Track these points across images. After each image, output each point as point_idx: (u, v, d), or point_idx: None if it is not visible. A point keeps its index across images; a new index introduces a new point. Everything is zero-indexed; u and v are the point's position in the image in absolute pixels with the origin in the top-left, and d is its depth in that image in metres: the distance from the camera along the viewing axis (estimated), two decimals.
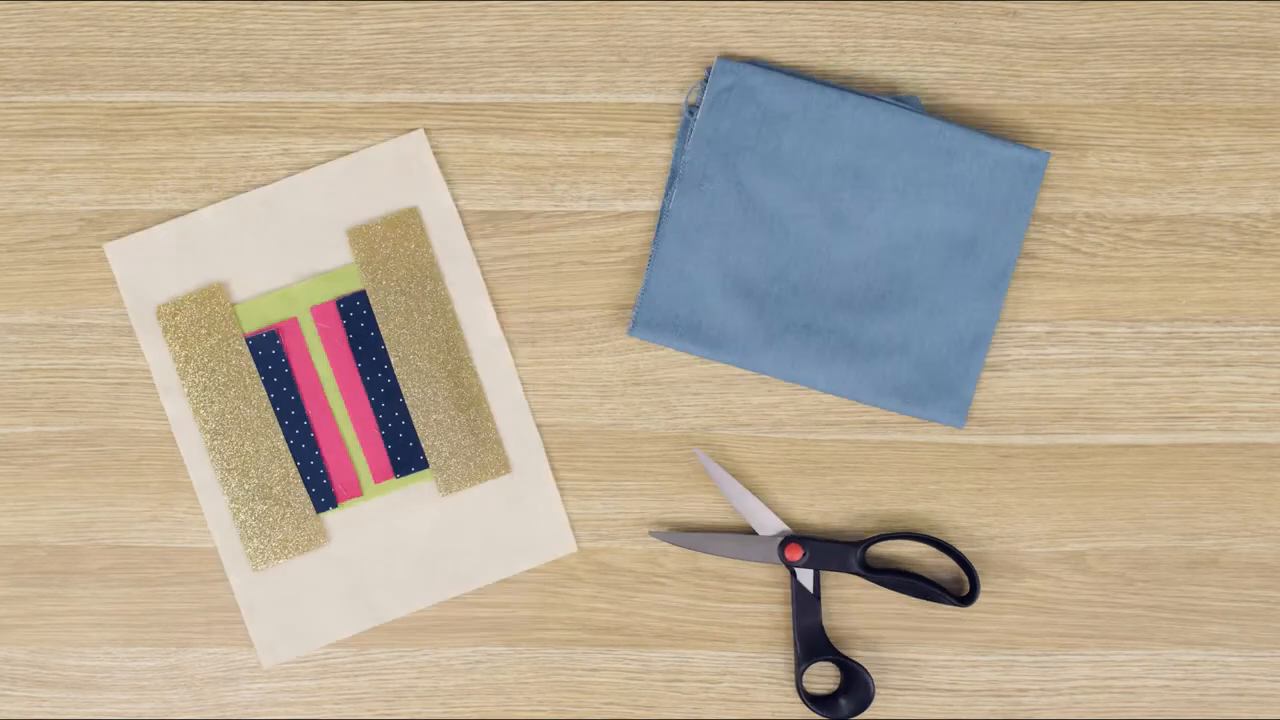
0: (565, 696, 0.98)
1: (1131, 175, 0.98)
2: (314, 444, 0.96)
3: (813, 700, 0.95)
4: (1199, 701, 0.98)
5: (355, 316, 0.96)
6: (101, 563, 0.97)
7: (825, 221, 0.96)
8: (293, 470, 0.95)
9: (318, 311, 0.96)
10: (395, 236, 0.96)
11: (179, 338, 0.95)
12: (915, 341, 0.96)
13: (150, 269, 0.96)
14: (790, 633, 0.97)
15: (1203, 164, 0.98)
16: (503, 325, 0.98)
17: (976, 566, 0.97)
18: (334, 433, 0.96)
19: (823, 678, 0.98)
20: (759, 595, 0.97)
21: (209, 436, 0.95)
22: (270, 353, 0.96)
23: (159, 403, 0.97)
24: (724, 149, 0.96)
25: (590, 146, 0.98)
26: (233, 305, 0.96)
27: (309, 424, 0.96)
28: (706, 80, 0.97)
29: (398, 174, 0.97)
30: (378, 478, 0.96)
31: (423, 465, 0.96)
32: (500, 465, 0.96)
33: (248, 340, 0.96)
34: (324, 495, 0.96)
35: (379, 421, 0.96)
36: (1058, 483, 0.98)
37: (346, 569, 0.96)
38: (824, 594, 0.97)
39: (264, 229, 0.96)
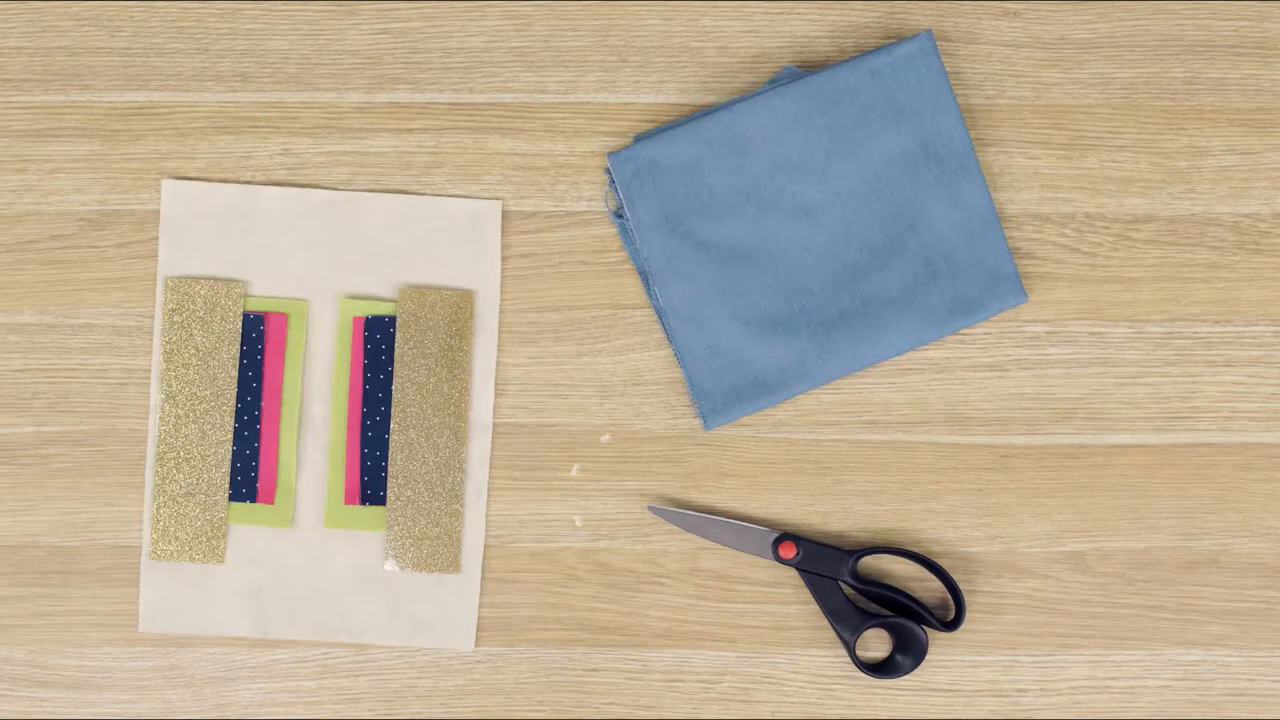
0: (565, 696, 0.98)
1: (1131, 175, 0.98)
2: (257, 436, 0.96)
3: (873, 669, 0.95)
4: (1199, 702, 0.98)
5: (375, 341, 0.96)
6: (101, 563, 0.97)
7: (792, 218, 0.96)
8: (225, 470, 0.95)
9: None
10: (444, 314, 0.96)
11: (179, 311, 0.95)
12: (935, 259, 0.96)
13: (193, 223, 0.96)
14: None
15: (1203, 164, 0.98)
16: (502, 325, 0.98)
17: (976, 567, 0.97)
18: (275, 433, 0.96)
19: (874, 642, 0.98)
20: (759, 595, 0.97)
21: (167, 407, 0.95)
22: (251, 336, 0.96)
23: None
24: (668, 225, 0.96)
25: (590, 146, 0.98)
26: (244, 298, 0.96)
27: (260, 416, 0.96)
28: (612, 180, 0.96)
29: (464, 237, 0.97)
30: (348, 498, 0.96)
31: (380, 504, 0.96)
32: (450, 563, 0.96)
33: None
34: (247, 487, 0.96)
35: (361, 450, 0.96)
36: (1058, 483, 0.98)
37: (256, 573, 0.96)
38: None
39: (316, 231, 0.96)
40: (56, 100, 0.98)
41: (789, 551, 0.95)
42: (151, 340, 0.97)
